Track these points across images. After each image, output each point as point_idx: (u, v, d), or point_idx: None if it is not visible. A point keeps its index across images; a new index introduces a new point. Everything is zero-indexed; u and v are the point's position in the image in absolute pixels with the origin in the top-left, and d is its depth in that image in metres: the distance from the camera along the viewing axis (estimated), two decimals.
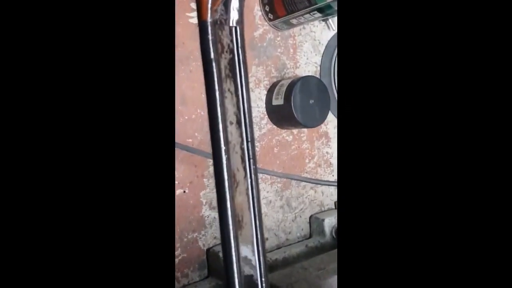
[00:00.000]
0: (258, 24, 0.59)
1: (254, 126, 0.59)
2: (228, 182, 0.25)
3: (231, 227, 0.26)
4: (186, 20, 0.53)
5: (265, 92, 0.60)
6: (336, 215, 0.63)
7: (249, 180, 0.25)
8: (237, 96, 0.24)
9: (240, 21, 0.24)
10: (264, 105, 0.60)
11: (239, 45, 0.24)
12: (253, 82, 0.59)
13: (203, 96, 0.55)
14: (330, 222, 0.62)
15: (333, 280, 0.42)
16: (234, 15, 0.24)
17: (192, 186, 0.55)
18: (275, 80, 0.61)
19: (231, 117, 0.24)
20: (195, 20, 0.54)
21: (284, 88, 0.57)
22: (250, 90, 0.59)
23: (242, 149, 0.25)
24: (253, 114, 0.59)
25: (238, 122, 0.25)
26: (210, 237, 0.56)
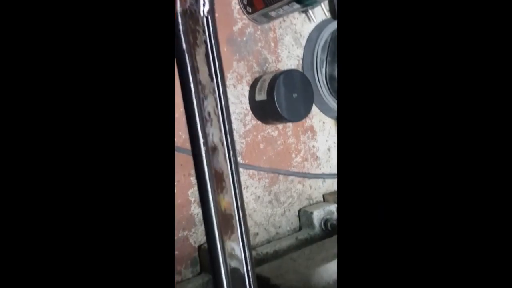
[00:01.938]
0: (237, 18, 0.58)
1: (239, 122, 0.59)
2: (209, 176, 0.25)
3: (215, 221, 0.25)
4: None
5: (248, 88, 0.60)
6: (324, 208, 0.63)
7: (230, 173, 0.25)
8: (212, 87, 0.24)
9: (211, 11, 0.24)
10: (248, 101, 0.60)
11: (212, 35, 0.24)
12: (235, 78, 0.59)
13: None
14: (319, 214, 0.62)
15: (322, 270, 0.42)
16: (205, 5, 0.24)
17: (180, 185, 0.54)
18: (257, 75, 0.60)
19: (208, 108, 0.24)
20: None
21: (267, 83, 0.57)
22: (233, 86, 0.58)
23: (222, 142, 0.25)
24: (237, 111, 0.59)
25: (216, 114, 0.24)
26: (200, 234, 0.56)
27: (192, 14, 0.23)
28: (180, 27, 0.23)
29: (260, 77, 0.59)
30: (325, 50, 0.67)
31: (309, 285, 0.41)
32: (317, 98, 0.65)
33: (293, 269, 0.43)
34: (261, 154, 0.61)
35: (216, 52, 0.24)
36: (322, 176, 0.67)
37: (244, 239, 0.26)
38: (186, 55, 0.23)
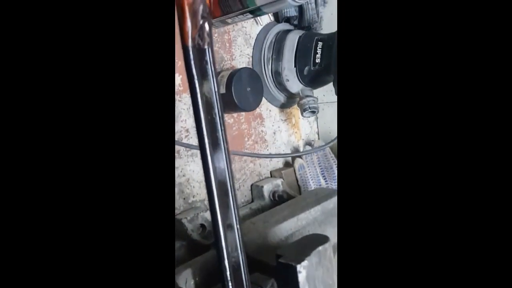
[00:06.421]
0: None
1: None
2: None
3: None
4: None
5: None
6: (272, 182, 0.76)
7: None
8: (210, 89, 0.35)
9: (211, 42, 0.34)
10: None
11: (211, 61, 0.34)
12: None
13: None
14: (268, 187, 0.75)
15: (276, 229, 0.54)
16: (207, 39, 0.34)
17: None
18: None
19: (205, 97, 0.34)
20: None
21: (225, 79, 0.67)
22: None
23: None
24: None
25: (211, 105, 0.35)
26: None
27: (199, 47, 0.33)
28: (191, 57, 0.33)
29: (219, 73, 0.69)
30: (271, 49, 0.78)
31: (267, 241, 0.53)
32: (265, 90, 0.76)
33: (254, 230, 0.55)
34: None
35: (214, 71, 0.35)
36: (270, 155, 0.79)
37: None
38: (196, 80, 0.33)
